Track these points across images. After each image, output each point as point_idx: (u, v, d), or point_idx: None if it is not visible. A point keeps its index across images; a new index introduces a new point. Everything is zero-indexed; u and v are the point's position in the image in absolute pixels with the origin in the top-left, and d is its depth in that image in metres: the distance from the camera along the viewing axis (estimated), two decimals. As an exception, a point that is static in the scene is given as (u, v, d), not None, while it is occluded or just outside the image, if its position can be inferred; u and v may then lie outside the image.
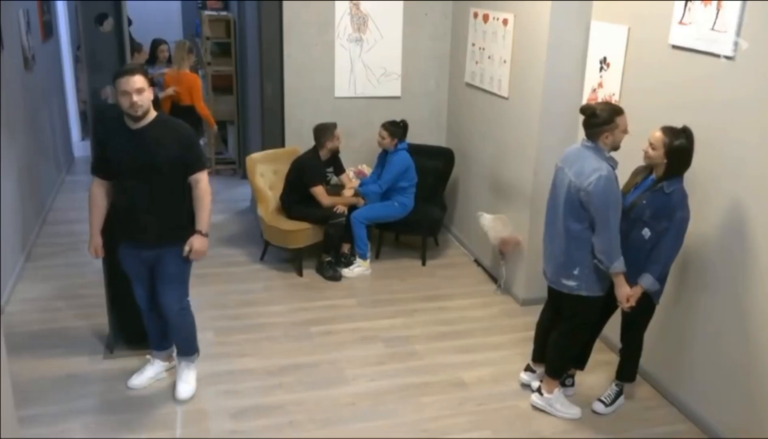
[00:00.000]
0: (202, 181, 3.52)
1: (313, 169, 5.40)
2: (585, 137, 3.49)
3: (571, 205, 3.46)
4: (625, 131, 3.46)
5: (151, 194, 3.44)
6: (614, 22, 4.28)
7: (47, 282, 5.15)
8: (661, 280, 3.50)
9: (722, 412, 3.59)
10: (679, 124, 3.39)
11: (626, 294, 3.48)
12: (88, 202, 3.59)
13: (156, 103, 6.75)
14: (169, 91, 6.66)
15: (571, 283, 3.56)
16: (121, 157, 3.39)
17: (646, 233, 3.46)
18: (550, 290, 3.80)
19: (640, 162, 3.56)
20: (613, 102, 4.28)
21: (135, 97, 3.27)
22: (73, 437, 3.51)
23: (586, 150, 3.45)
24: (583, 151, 3.46)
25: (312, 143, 5.52)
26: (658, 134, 3.38)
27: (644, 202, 3.46)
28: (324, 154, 5.46)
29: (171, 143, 3.42)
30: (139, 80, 3.28)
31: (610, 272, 3.45)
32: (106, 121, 3.56)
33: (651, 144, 3.40)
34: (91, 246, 3.63)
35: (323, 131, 5.42)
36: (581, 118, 3.48)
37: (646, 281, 3.46)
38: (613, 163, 3.41)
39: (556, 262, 3.61)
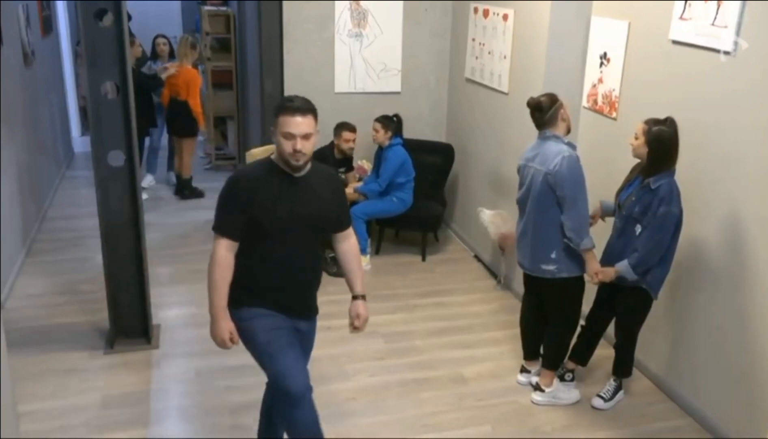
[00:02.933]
0: (353, 236, 3.02)
1: (324, 160, 5.45)
2: (540, 131, 3.62)
3: (542, 194, 3.54)
4: (567, 109, 3.63)
5: (307, 254, 2.84)
6: (614, 17, 4.27)
7: (47, 277, 5.16)
8: (640, 270, 3.46)
9: (722, 408, 3.59)
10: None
11: (595, 270, 3.57)
12: (210, 271, 2.72)
13: (161, 85, 6.78)
14: (171, 70, 6.70)
15: (551, 267, 3.63)
16: (277, 211, 2.70)
17: (638, 229, 3.48)
18: (530, 282, 3.86)
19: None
20: (612, 97, 4.28)
21: (300, 144, 2.60)
22: (73, 432, 3.52)
23: (545, 141, 3.58)
24: (541, 143, 3.60)
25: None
26: (640, 124, 3.45)
27: (633, 199, 3.50)
28: (336, 152, 5.55)
29: (330, 194, 2.86)
30: (309, 124, 2.63)
31: (580, 249, 3.53)
32: (245, 172, 2.86)
33: (635, 135, 3.47)
34: (223, 331, 2.72)
35: (335, 129, 5.51)
36: (542, 116, 3.58)
37: (621, 265, 3.49)
38: (572, 146, 3.55)
39: (533, 251, 3.67)
